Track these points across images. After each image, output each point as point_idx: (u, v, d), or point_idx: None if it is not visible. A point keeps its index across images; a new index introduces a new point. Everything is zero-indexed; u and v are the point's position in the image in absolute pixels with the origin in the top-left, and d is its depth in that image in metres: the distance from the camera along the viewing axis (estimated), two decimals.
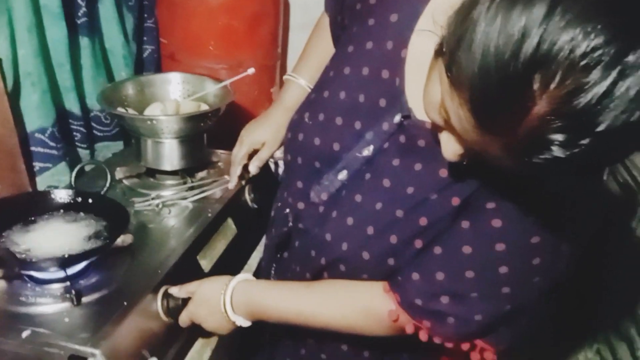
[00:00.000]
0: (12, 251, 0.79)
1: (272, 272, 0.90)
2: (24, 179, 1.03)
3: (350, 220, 0.71)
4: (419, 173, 0.67)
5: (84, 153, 1.24)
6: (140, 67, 1.43)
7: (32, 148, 1.07)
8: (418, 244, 0.68)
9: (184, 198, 1.09)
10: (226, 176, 1.17)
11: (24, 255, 0.80)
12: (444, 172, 0.66)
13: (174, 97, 1.25)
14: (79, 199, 0.93)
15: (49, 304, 0.79)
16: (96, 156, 1.28)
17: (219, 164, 1.26)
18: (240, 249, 1.12)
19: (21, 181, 1.03)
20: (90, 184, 1.10)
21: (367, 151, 0.72)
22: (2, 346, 0.74)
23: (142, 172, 1.17)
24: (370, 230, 0.70)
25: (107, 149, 1.31)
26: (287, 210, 0.83)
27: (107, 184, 1.04)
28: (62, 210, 0.92)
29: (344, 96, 0.74)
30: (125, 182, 1.14)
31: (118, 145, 1.33)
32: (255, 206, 1.19)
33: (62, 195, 0.93)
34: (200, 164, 1.20)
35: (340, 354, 0.83)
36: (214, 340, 0.93)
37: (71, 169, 1.15)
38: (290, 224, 0.82)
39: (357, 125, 0.73)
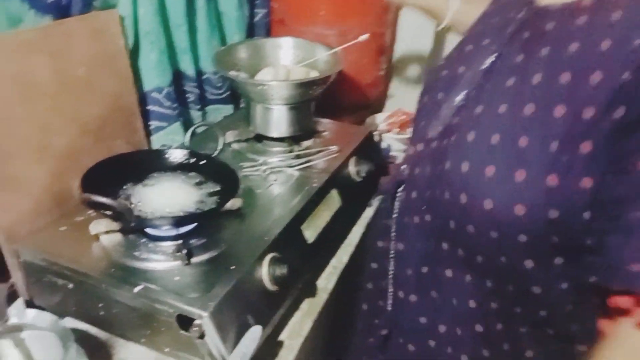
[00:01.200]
0: (130, 207, 0.81)
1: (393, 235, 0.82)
2: (141, 137, 1.06)
3: (471, 136, 0.64)
4: (546, 57, 0.60)
5: (196, 114, 1.26)
6: (250, 31, 1.42)
7: (149, 107, 1.09)
8: (586, 147, 0.53)
9: (290, 166, 1.07)
10: (332, 147, 1.13)
11: (141, 211, 0.82)
12: (574, 46, 0.57)
13: (284, 62, 1.23)
14: (193, 160, 0.94)
15: (160, 261, 0.80)
16: (207, 118, 1.30)
17: (325, 133, 1.23)
18: (343, 221, 1.09)
19: (138, 138, 1.06)
20: (201, 146, 1.11)
21: (491, 58, 0.68)
22: (116, 297, 0.76)
23: (250, 137, 1.16)
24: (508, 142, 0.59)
25: (217, 112, 1.32)
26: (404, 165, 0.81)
27: (219, 147, 1.05)
28: (176, 170, 0.93)
29: (478, 28, 0.77)
30: (234, 145, 1.15)
31: (228, 109, 1.34)
32: (359, 179, 1.15)
33: (176, 155, 0.94)
34: (306, 132, 1.18)
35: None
36: (315, 311, 0.91)
37: (185, 129, 1.17)
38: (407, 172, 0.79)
39: (485, 41, 0.71)
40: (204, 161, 0.94)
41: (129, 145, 1.03)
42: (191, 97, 1.23)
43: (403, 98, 1.65)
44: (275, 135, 1.13)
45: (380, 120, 1.60)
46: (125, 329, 0.80)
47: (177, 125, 1.15)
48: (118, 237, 0.84)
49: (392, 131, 1.50)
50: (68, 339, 0.71)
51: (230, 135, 1.15)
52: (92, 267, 0.79)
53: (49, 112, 0.87)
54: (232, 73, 1.11)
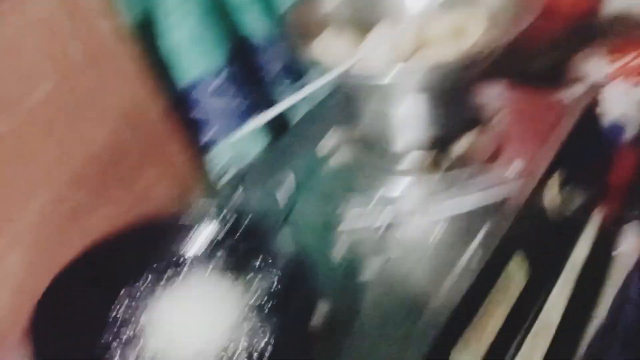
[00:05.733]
0: None
1: None
2: (180, 164, 0.65)
3: None
4: None
5: (282, 98, 0.81)
6: None
7: (203, 101, 0.67)
8: None
9: (430, 211, 0.58)
10: (510, 161, 0.61)
11: None
12: None
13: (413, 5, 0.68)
14: (235, 235, 0.51)
15: None
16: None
17: (494, 120, 0.69)
18: (526, 306, 0.59)
19: (175, 169, 0.65)
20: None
21: None
22: None
23: (362, 141, 0.69)
24: None
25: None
26: None
27: (290, 196, 0.58)
28: (206, 256, 0.51)
29: None
30: (336, 158, 0.68)
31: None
32: (565, 213, 0.63)
33: (203, 226, 0.52)
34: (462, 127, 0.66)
35: None
36: None
37: (263, 130, 0.73)
38: None
39: None
40: (258, 234, 0.50)
41: (164, 178, 0.63)
42: (269, 74, 0.77)
43: None
44: (400, 148, 0.64)
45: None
46: None
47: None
48: None
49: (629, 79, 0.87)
50: None
51: (327, 141, 0.69)
52: None
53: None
54: (322, 42, 0.61)
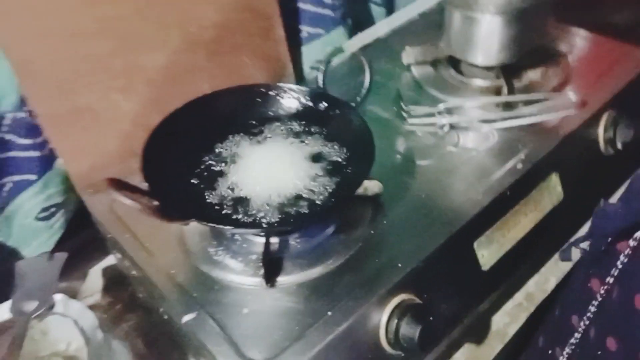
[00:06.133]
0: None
1: None
2: (281, 50, 0.75)
3: None
4: None
5: (377, 12, 0.88)
6: None
7: (299, 4, 0.76)
8: None
9: (488, 120, 0.66)
10: (570, 90, 0.67)
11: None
12: None
13: None
14: (316, 107, 0.61)
15: (234, 273, 0.54)
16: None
17: (566, 57, 0.74)
18: (557, 227, 0.67)
19: (276, 52, 0.75)
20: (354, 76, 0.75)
21: None
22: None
23: (440, 58, 0.76)
24: None
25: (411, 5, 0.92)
26: None
27: (365, 86, 0.67)
28: (290, 120, 0.62)
29: None
30: (415, 70, 0.76)
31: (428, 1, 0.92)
32: (612, 151, 0.68)
33: (291, 99, 0.62)
34: (534, 57, 0.72)
35: None
36: None
37: (351, 35, 0.82)
38: None
39: None
40: (334, 111, 0.60)
41: (261, 62, 0.74)
42: None
43: None
44: (479, 61, 0.70)
45: None
46: None
47: (339, 32, 0.80)
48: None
49: None
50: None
51: (409, 54, 0.76)
52: None
53: (136, 19, 0.62)
54: None
